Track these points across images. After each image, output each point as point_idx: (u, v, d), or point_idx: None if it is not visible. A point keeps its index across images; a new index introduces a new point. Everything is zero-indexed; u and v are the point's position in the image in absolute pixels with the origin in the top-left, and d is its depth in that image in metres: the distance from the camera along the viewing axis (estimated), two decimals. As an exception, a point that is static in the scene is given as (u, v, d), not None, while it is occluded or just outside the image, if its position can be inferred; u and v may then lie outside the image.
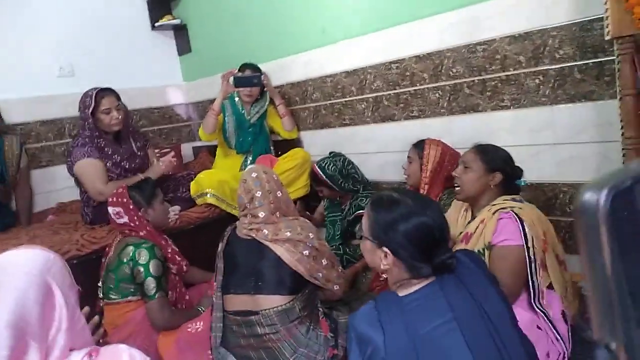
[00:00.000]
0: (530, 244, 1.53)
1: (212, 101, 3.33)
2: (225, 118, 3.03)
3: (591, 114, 1.92)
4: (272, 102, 3.17)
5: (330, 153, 2.73)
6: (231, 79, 2.89)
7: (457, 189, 1.80)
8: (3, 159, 2.88)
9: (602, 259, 0.32)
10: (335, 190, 2.59)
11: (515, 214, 1.57)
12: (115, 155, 2.58)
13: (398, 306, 1.12)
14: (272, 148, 3.21)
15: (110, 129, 2.56)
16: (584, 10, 1.87)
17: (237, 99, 3.07)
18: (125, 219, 2.02)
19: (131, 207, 2.02)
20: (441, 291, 1.12)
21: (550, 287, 1.60)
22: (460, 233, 1.76)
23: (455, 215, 1.88)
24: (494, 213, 1.62)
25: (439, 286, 1.14)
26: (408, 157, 2.29)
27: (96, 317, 1.33)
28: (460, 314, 1.08)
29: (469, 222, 1.76)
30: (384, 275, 1.22)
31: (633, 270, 0.34)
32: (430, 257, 1.14)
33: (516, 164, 1.77)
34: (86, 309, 1.27)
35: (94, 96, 2.48)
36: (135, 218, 2.02)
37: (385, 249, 1.18)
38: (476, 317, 1.09)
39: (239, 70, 3.02)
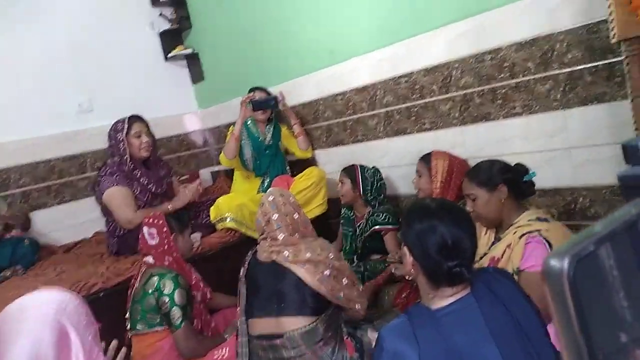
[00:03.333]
0: None
1: (227, 126, 3.40)
2: (242, 142, 3.09)
3: (604, 115, 1.90)
4: (286, 122, 3.21)
5: (372, 167, 2.73)
6: (249, 103, 2.95)
7: (478, 222, 1.74)
8: None
9: (570, 320, 0.35)
10: (357, 192, 2.60)
11: (544, 237, 1.53)
12: (144, 178, 2.66)
13: (432, 319, 1.11)
14: (287, 169, 3.24)
15: (140, 153, 2.64)
16: (588, 13, 1.86)
17: (249, 122, 3.12)
18: (156, 241, 2.07)
19: (165, 229, 2.08)
20: (476, 304, 1.12)
21: None
22: (485, 254, 1.73)
23: (479, 232, 1.84)
24: (520, 237, 1.57)
25: (474, 299, 1.13)
26: (417, 171, 2.30)
27: (124, 350, 1.35)
28: (496, 328, 1.08)
29: (493, 243, 1.72)
30: (409, 278, 1.24)
31: (599, 327, 0.36)
32: (440, 264, 1.13)
33: (521, 165, 1.72)
34: (114, 343, 1.29)
35: (126, 121, 2.62)
36: (166, 241, 2.07)
37: (406, 248, 1.22)
38: (512, 331, 1.08)
39: (249, 91, 3.09)
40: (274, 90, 3.17)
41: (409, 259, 1.21)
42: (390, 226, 2.48)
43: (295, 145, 3.18)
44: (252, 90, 3.12)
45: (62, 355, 0.95)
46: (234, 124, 3.12)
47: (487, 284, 1.17)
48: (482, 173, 1.71)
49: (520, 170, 1.70)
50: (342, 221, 2.81)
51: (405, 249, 1.23)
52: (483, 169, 1.73)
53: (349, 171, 2.67)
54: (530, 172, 1.69)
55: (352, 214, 2.72)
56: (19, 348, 0.92)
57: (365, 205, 2.62)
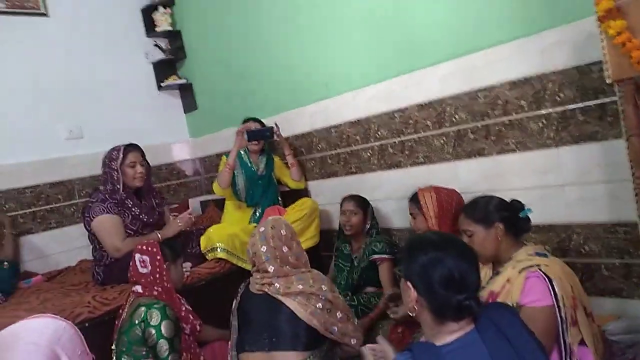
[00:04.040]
0: (561, 304, 1.47)
1: (218, 156, 3.40)
2: (235, 172, 3.07)
3: (597, 154, 1.94)
4: (279, 153, 3.22)
5: None
6: (244, 133, 2.96)
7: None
8: None
9: None
10: (366, 224, 2.62)
11: (543, 272, 1.51)
12: (135, 209, 2.63)
13: (438, 356, 1.09)
14: (279, 199, 3.22)
15: (133, 183, 2.62)
16: (579, 55, 1.92)
17: (242, 152, 3.12)
18: (148, 270, 2.02)
19: (159, 257, 2.03)
20: (481, 340, 1.10)
21: (581, 342, 1.54)
22: (483, 288, 1.72)
23: None
24: (520, 271, 1.56)
25: (478, 335, 1.11)
26: (410, 213, 2.29)
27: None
28: None
29: (491, 278, 1.71)
30: (412, 314, 1.22)
31: None
32: (447, 297, 1.12)
33: (518, 201, 1.72)
34: None
35: (122, 150, 2.60)
36: (159, 270, 2.02)
37: (409, 283, 1.19)
38: None
39: (244, 122, 3.12)
40: (267, 121, 3.18)
41: (413, 294, 1.19)
42: (386, 255, 2.48)
43: (288, 175, 3.18)
44: (246, 120, 3.14)
45: None
46: (226, 153, 3.12)
47: (491, 319, 1.15)
48: (478, 210, 1.71)
49: (517, 206, 1.71)
50: (336, 254, 2.78)
51: (407, 284, 1.20)
52: (479, 206, 1.72)
53: (361, 202, 2.65)
54: (526, 208, 1.70)
55: (348, 247, 2.70)
56: None
57: (364, 236, 2.62)
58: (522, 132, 2.14)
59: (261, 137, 3.04)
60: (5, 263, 2.82)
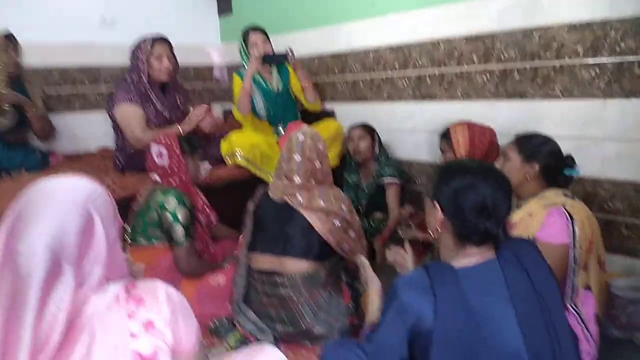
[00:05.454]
0: (577, 244, 1.47)
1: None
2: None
3: (646, 111, 1.86)
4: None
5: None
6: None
7: None
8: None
9: None
10: (374, 150, 2.68)
11: (567, 211, 1.50)
12: (158, 103, 2.61)
13: (452, 275, 1.09)
14: (299, 115, 3.11)
15: (159, 77, 2.58)
16: (654, 3, 1.79)
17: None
18: (165, 162, 2.03)
19: (176, 150, 2.04)
20: (500, 269, 1.10)
21: (587, 287, 1.55)
22: None
23: None
24: (544, 206, 1.54)
25: (498, 264, 1.11)
26: (440, 149, 2.25)
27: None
28: (516, 294, 1.07)
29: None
30: (434, 235, 1.22)
31: None
32: (476, 223, 1.11)
33: (572, 159, 1.65)
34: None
35: (150, 41, 2.54)
36: (176, 161, 2.04)
37: (436, 203, 1.18)
38: (532, 300, 1.07)
39: (246, 34, 2.92)
40: (304, 35, 3.06)
41: (439, 216, 1.17)
42: (395, 179, 2.58)
43: (302, 95, 3.04)
44: (248, 30, 2.93)
45: (85, 242, 0.92)
46: (238, 71, 2.94)
47: (513, 251, 1.15)
48: (530, 144, 1.65)
49: (567, 162, 1.64)
50: (346, 179, 2.83)
51: (435, 205, 1.19)
52: (533, 142, 1.66)
53: (368, 128, 2.69)
54: (576, 169, 1.63)
55: (354, 178, 2.76)
56: (42, 229, 0.88)
57: (373, 163, 2.68)
58: (572, 79, 2.04)
59: (277, 62, 2.91)
60: (38, 152, 2.85)
